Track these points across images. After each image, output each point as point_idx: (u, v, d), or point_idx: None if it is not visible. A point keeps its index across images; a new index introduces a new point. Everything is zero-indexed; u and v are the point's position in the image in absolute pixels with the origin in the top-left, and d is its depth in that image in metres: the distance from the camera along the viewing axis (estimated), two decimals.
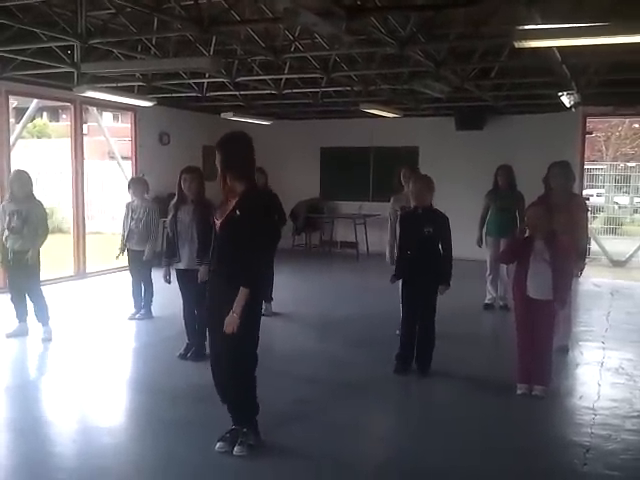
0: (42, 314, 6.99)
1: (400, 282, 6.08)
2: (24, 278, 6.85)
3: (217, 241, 4.17)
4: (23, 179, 6.85)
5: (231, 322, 3.98)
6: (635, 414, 5.01)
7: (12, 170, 7.03)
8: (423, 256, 5.73)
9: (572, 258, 5.70)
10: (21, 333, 7.01)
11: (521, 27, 5.22)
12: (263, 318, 7.90)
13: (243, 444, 4.19)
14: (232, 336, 3.99)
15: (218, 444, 4.22)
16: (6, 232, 6.79)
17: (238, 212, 3.99)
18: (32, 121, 21.89)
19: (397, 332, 7.01)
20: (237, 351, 4.10)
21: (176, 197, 6.15)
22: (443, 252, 5.74)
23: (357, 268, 12.95)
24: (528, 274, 5.14)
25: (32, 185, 6.93)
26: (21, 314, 7.05)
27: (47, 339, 6.91)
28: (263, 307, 7.96)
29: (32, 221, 6.77)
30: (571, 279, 5.63)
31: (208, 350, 4.63)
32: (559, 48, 6.51)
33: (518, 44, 5.39)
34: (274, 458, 4.25)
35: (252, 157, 4.15)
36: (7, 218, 6.78)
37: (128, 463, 4.26)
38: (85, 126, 12.72)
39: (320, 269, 12.72)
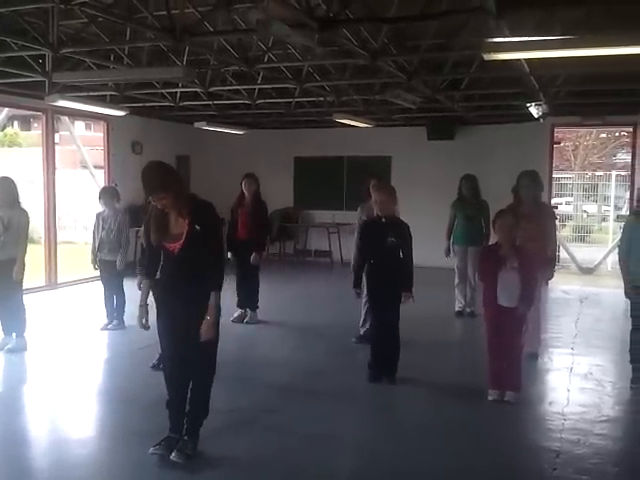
0: (19, 325, 6.89)
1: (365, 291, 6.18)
2: (6, 289, 6.72)
3: (175, 260, 4.12)
4: (7, 186, 6.71)
5: (209, 328, 4.07)
6: (604, 419, 5.11)
7: None
8: (387, 265, 5.80)
9: (538, 265, 5.79)
10: (5, 346, 6.85)
11: (490, 40, 5.31)
12: (247, 326, 8.00)
13: (181, 452, 4.17)
14: (208, 342, 4.10)
15: (152, 448, 4.19)
16: None
17: (198, 226, 4.06)
18: (3, 130, 21.59)
19: (353, 340, 7.12)
20: (213, 356, 4.25)
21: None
22: (404, 260, 5.81)
23: (331, 276, 12.99)
24: (498, 282, 5.22)
25: (17, 192, 6.78)
26: (6, 327, 6.92)
27: (17, 350, 6.79)
28: (248, 315, 8.13)
29: (13, 228, 6.64)
30: (537, 285, 5.72)
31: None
32: (527, 60, 6.63)
33: (487, 56, 5.49)
34: (247, 468, 4.25)
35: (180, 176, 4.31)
36: None
37: (100, 474, 4.23)
38: (57, 135, 12.58)
39: (295, 278, 12.74)
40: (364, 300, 6.85)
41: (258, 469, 4.25)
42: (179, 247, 4.08)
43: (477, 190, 8.55)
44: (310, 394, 5.71)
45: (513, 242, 5.24)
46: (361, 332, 7.14)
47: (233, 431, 4.78)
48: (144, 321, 4.25)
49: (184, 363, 4.22)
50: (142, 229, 6.06)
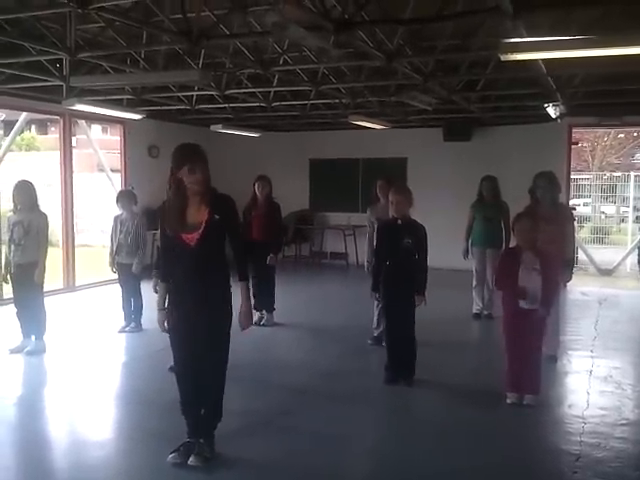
0: (38, 327, 6.95)
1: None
2: (27, 292, 6.80)
3: (191, 255, 4.04)
4: (26, 189, 6.76)
5: (248, 316, 4.18)
6: (624, 422, 5.05)
7: (16, 181, 6.91)
8: (403, 267, 5.78)
9: (557, 267, 5.74)
10: (24, 348, 6.91)
11: (507, 40, 5.28)
12: (264, 329, 8.02)
13: (199, 455, 4.17)
14: (223, 339, 4.13)
15: (171, 455, 4.18)
16: (8, 244, 6.75)
17: (217, 216, 4.02)
18: (20, 134, 21.79)
19: (368, 341, 7.09)
20: (225, 360, 4.21)
21: None
22: (419, 262, 5.79)
23: (347, 279, 12.98)
24: (519, 285, 5.17)
25: (36, 195, 6.83)
26: (26, 329, 6.99)
27: (36, 352, 6.85)
28: (264, 318, 8.14)
29: (33, 232, 6.71)
30: (557, 287, 5.66)
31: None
32: (544, 60, 6.59)
33: (504, 57, 5.46)
34: (262, 469, 4.26)
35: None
36: (10, 229, 6.75)
37: (119, 475, 4.26)
38: (74, 139, 12.68)
39: (310, 280, 12.75)
40: (376, 302, 6.84)
41: (273, 470, 4.26)
42: (197, 237, 4.00)
43: (497, 191, 8.51)
44: (325, 396, 5.70)
45: (533, 244, 5.19)
46: (375, 334, 7.12)
47: (249, 432, 4.78)
48: (165, 324, 4.21)
49: (198, 375, 4.16)
50: (159, 231, 6.16)
